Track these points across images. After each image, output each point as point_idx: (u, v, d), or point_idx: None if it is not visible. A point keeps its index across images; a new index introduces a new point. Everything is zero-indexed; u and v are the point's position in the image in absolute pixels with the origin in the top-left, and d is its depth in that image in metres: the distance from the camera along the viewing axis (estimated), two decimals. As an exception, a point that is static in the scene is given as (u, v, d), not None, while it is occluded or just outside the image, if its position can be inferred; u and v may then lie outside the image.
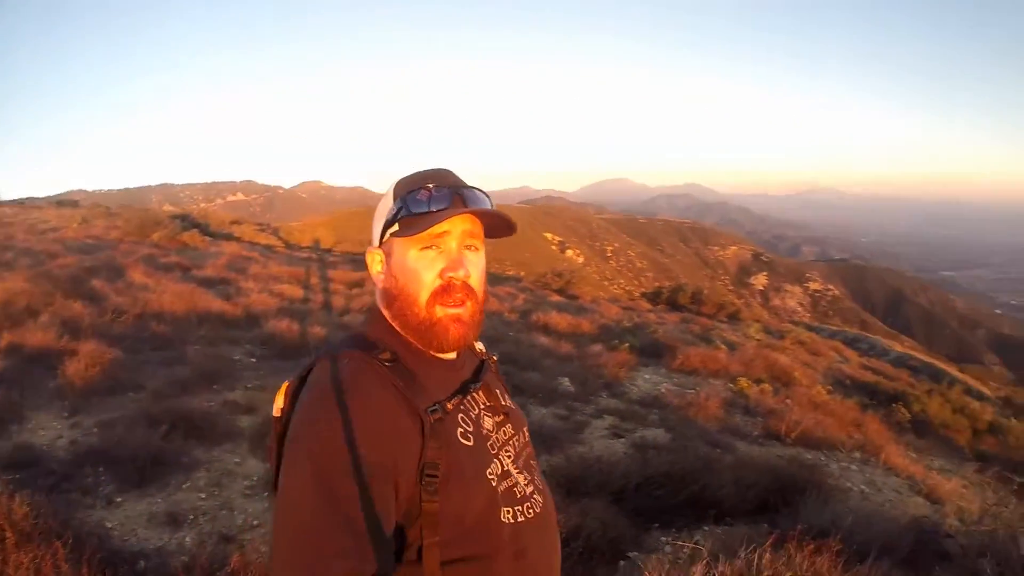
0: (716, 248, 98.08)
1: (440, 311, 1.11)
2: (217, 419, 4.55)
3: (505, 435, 1.20)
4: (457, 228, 1.10)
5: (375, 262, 1.17)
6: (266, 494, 3.75)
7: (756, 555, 2.69)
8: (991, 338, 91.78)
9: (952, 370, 20.39)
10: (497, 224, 1.16)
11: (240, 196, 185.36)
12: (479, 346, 1.30)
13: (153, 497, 3.56)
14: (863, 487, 5.05)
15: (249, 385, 5.53)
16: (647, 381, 7.70)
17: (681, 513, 3.96)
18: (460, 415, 1.11)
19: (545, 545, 1.20)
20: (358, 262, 15.93)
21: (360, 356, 1.08)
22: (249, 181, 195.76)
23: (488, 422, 1.17)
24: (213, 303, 8.14)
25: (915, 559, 3.37)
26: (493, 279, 19.03)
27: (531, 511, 1.16)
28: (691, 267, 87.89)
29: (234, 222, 22.84)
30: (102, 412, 4.52)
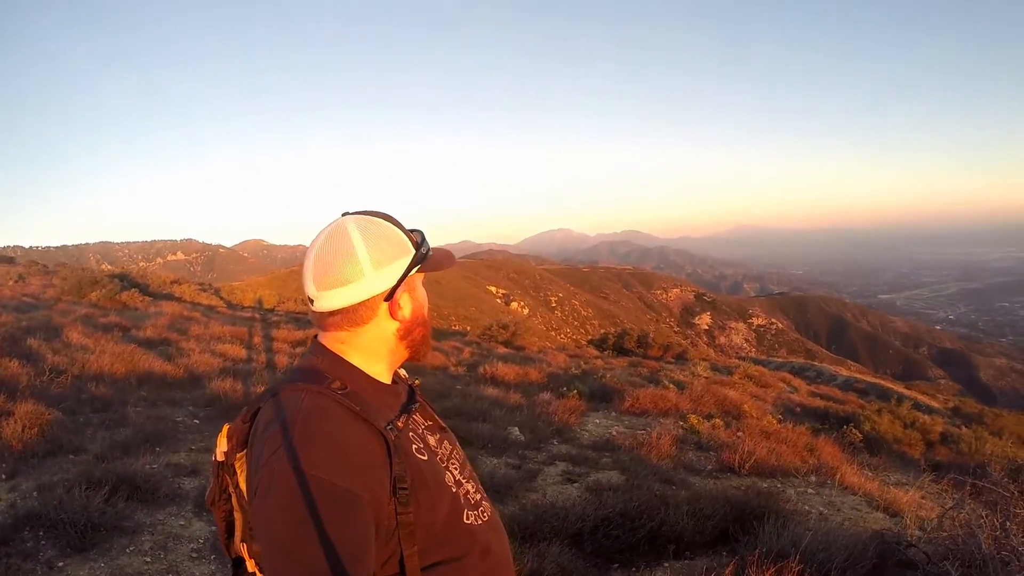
0: (659, 291, 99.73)
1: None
2: (160, 482, 4.39)
3: (446, 449, 1.28)
4: None
5: (407, 300, 1.21)
6: (213, 557, 3.64)
7: (716, 584, 2.68)
8: (934, 353, 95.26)
9: (899, 388, 21.01)
10: None
11: (180, 255, 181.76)
12: (402, 372, 1.36)
13: (96, 562, 3.41)
14: (821, 508, 5.11)
15: (193, 447, 5.38)
16: (598, 425, 7.70)
17: (640, 551, 3.96)
18: (410, 433, 1.18)
19: (503, 543, 1.29)
20: (301, 321, 15.68)
21: (314, 388, 1.11)
22: (189, 240, 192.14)
23: (431, 439, 1.26)
24: (154, 364, 7.91)
25: (880, 571, 3.42)
26: (439, 335, 18.94)
27: (484, 515, 1.26)
28: (635, 312, 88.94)
29: (174, 282, 22.33)
30: (41, 475, 4.34)
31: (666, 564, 3.81)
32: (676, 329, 79.20)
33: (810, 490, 5.64)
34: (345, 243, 1.13)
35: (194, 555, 3.63)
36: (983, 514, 3.02)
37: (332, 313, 1.16)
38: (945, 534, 3.28)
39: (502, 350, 15.75)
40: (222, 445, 1.17)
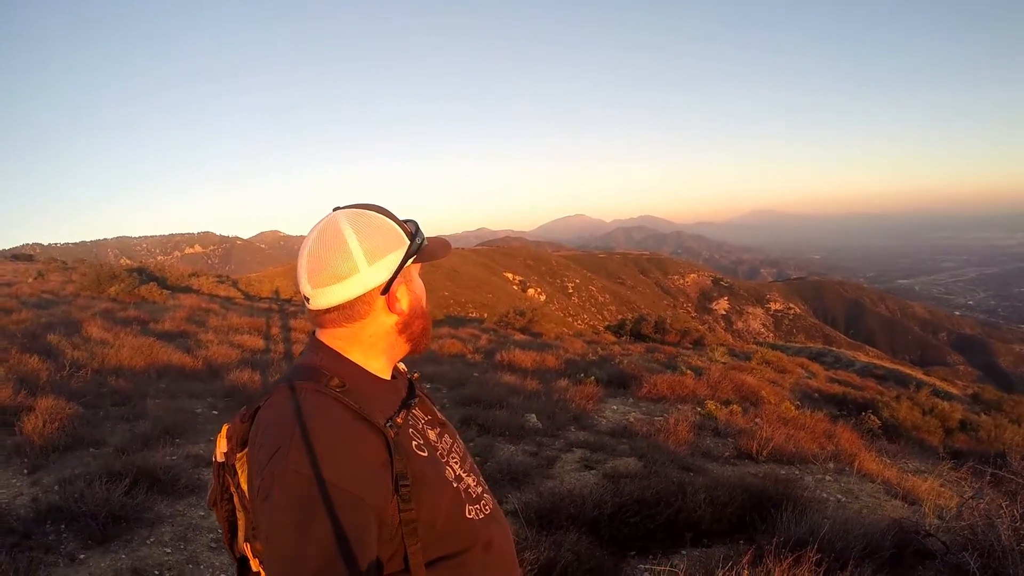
0: (676, 277, 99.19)
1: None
2: (180, 473, 4.43)
3: (446, 443, 1.27)
4: None
5: (404, 292, 1.20)
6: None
7: (733, 573, 2.67)
8: (953, 339, 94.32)
9: (918, 374, 20.82)
10: None
11: (198, 248, 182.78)
12: (401, 366, 1.35)
13: (117, 553, 3.45)
14: (839, 496, 5.08)
15: (212, 438, 5.40)
16: (615, 412, 7.68)
17: (657, 539, 3.95)
18: (410, 429, 1.17)
19: (506, 536, 1.29)
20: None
21: (313, 386, 1.10)
22: (206, 232, 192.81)
23: (431, 433, 1.24)
24: (173, 356, 7.98)
25: (898, 560, 3.40)
26: (456, 322, 18.92)
27: (486, 508, 1.25)
28: (653, 297, 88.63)
29: (192, 274, 22.47)
30: (63, 468, 4.39)
31: (683, 552, 3.80)
32: (693, 314, 78.90)
33: (828, 477, 5.61)
34: (338, 238, 1.12)
35: (213, 545, 3.67)
36: (1003, 504, 2.97)
37: (328, 310, 1.14)
38: (964, 524, 3.25)
39: (519, 337, 15.73)
40: (221, 446, 1.17)
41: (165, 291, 16.30)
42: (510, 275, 77.19)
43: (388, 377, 1.25)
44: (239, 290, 21.04)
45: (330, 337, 1.18)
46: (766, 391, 9.89)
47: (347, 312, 1.14)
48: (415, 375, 1.39)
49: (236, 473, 1.15)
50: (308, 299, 1.15)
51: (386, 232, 1.15)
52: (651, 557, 3.77)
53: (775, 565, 2.69)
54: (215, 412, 6.26)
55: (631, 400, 8.49)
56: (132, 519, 3.73)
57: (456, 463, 1.25)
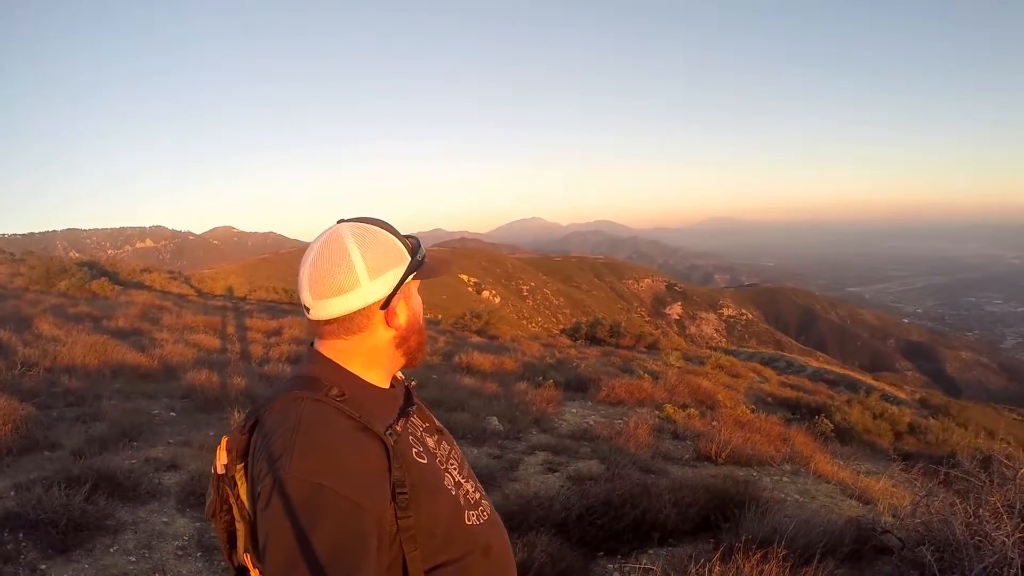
0: (630, 281, 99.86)
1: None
2: (141, 477, 4.33)
3: (445, 450, 1.29)
4: None
5: (403, 308, 1.22)
6: (199, 554, 3.60)
7: (706, 570, 2.74)
8: (902, 346, 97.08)
9: (868, 379, 21.42)
10: None
11: (149, 243, 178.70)
12: (399, 374, 1.36)
13: (79, 563, 3.36)
14: (797, 496, 5.21)
15: (171, 440, 5.32)
16: (575, 415, 7.76)
17: (625, 539, 4.03)
18: (409, 436, 1.19)
19: (504, 540, 1.31)
20: (274, 309, 15.51)
21: (313, 395, 1.11)
22: (158, 227, 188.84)
23: (430, 440, 1.26)
24: (128, 355, 7.81)
25: (857, 556, 3.53)
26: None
27: (484, 514, 1.27)
28: (607, 301, 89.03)
29: (144, 270, 21.95)
30: (18, 473, 4.26)
31: (651, 551, 3.88)
32: (647, 319, 79.64)
33: (785, 478, 5.75)
34: (341, 251, 1.13)
35: (179, 553, 3.60)
36: (956, 501, 3.11)
37: (328, 321, 1.16)
38: (918, 521, 3.39)
39: (476, 339, 15.78)
40: (221, 458, 1.16)
41: (117, 287, 15.97)
42: (465, 277, 76.96)
43: (386, 386, 1.26)
44: (192, 287, 20.63)
45: (328, 348, 1.19)
46: (722, 395, 10.08)
47: (346, 325, 1.16)
48: (412, 383, 1.40)
49: (236, 484, 1.16)
50: (308, 309, 1.16)
51: (389, 248, 1.17)
52: (620, 557, 3.84)
53: (744, 562, 2.77)
54: (172, 413, 6.15)
55: (590, 404, 8.58)
56: (94, 526, 3.63)
57: (455, 469, 1.27)
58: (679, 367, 13.40)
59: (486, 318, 18.85)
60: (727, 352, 21.53)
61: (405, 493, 1.07)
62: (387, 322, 1.18)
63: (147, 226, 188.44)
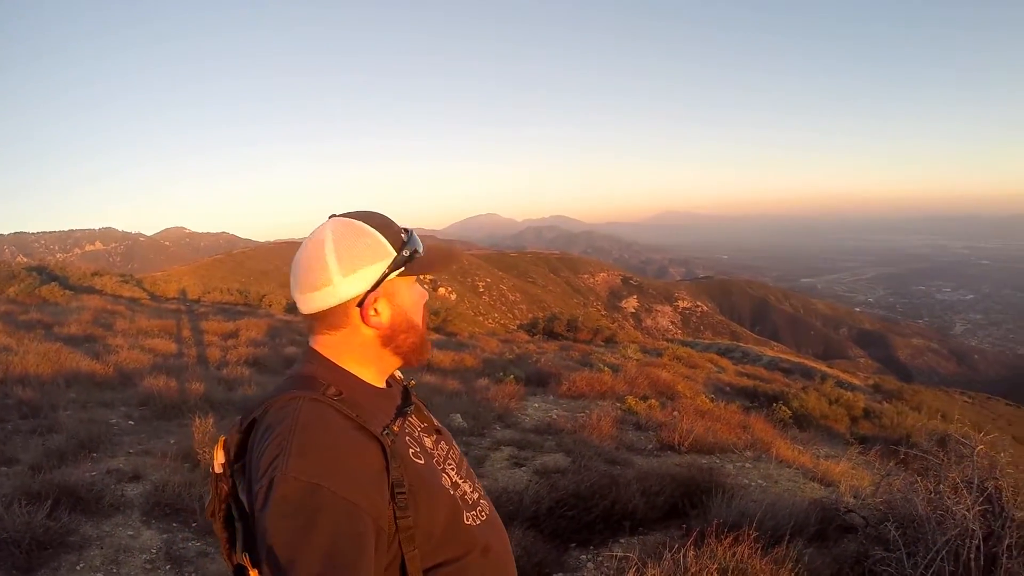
0: (586, 276, 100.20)
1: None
2: (103, 490, 4.21)
3: (443, 450, 1.29)
4: None
5: (385, 306, 1.19)
6: (168, 567, 3.54)
7: (681, 555, 2.81)
8: (854, 334, 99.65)
9: (822, 367, 21.94)
10: None
11: (99, 245, 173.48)
12: (397, 374, 1.35)
13: (46, 582, 3.27)
14: (761, 481, 5.33)
15: (131, 450, 5.20)
16: (537, 409, 7.79)
17: (596, 530, 4.11)
18: (406, 436, 1.18)
19: (503, 540, 1.32)
20: (229, 312, 15.24)
21: (310, 395, 1.11)
22: (108, 228, 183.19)
23: (428, 441, 1.26)
24: (82, 363, 7.62)
25: (823, 535, 3.65)
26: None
27: (483, 514, 1.27)
28: (563, 296, 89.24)
29: (95, 273, 21.30)
30: (-26, 491, 4.10)
31: (623, 540, 3.95)
32: (603, 313, 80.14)
33: (748, 464, 5.88)
34: (318, 248, 1.14)
35: (148, 566, 3.52)
36: (917, 479, 3.24)
37: (309, 316, 1.17)
38: (880, 500, 3.52)
39: (434, 336, 15.71)
40: (219, 457, 1.16)
41: (67, 291, 15.58)
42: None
43: (382, 385, 1.25)
44: (145, 290, 20.13)
45: (322, 345, 1.20)
46: (681, 386, 10.21)
47: (326, 321, 1.17)
48: (411, 383, 1.39)
49: (233, 484, 1.15)
50: (296, 303, 1.18)
51: (367, 245, 1.16)
52: (592, 547, 3.90)
53: (717, 545, 2.84)
54: (131, 422, 6.01)
55: (552, 398, 8.63)
56: (58, 544, 3.53)
57: (453, 469, 1.26)
58: (637, 360, 13.52)
59: (444, 315, 18.79)
60: (684, 344, 21.83)
61: (404, 493, 1.07)
62: (364, 320, 1.17)
63: (96, 228, 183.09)
